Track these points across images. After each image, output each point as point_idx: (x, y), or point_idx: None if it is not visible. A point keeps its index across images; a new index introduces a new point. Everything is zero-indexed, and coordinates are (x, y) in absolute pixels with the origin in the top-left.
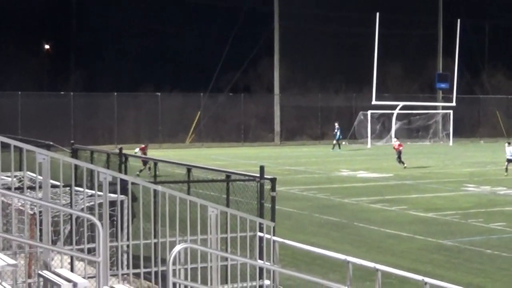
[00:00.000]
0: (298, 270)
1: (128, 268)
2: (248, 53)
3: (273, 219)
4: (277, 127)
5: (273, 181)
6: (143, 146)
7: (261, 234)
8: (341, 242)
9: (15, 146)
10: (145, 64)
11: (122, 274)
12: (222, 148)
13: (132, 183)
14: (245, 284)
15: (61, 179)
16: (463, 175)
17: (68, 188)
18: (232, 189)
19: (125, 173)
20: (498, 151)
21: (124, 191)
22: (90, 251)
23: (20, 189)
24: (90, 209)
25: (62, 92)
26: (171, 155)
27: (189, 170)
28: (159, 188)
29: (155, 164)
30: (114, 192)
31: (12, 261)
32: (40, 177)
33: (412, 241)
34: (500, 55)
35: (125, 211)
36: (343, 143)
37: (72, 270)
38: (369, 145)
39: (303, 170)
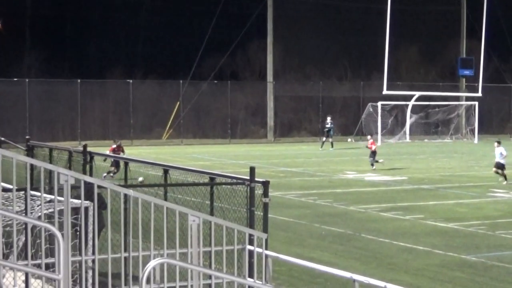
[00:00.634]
0: None
1: (93, 287)
2: (236, 33)
3: (265, 229)
4: (270, 121)
5: (265, 184)
6: (114, 146)
7: (251, 248)
8: (346, 257)
9: None
10: (114, 45)
11: None
12: (205, 146)
13: (99, 187)
14: None
15: (14, 181)
16: (490, 179)
17: (22, 192)
18: (217, 194)
19: (90, 174)
20: None
21: (89, 196)
22: (49, 266)
23: None
24: (49, 217)
25: (15, 79)
26: (145, 153)
27: (166, 172)
28: (131, 192)
29: (126, 164)
30: (78, 197)
31: None
32: None
33: (429, 256)
34: None
35: (90, 220)
36: (349, 140)
37: None
38: (379, 143)
39: (301, 172)
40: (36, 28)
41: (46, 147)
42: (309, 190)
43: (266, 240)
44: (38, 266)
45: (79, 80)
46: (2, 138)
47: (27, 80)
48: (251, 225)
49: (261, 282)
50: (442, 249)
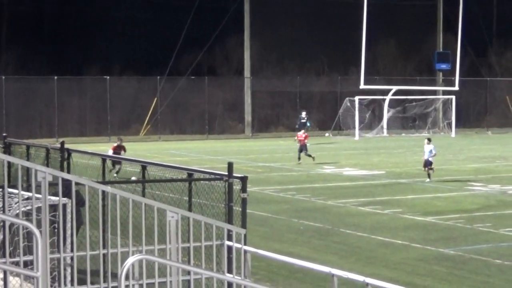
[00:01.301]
0: (274, 285)
1: (72, 284)
2: (213, 28)
3: (244, 225)
4: (248, 116)
5: (243, 180)
6: (115, 145)
7: (230, 243)
8: (325, 251)
9: None
10: (91, 41)
11: None
12: (183, 142)
13: (76, 183)
14: None
15: None
16: (468, 172)
17: (0, 190)
18: (196, 190)
19: (68, 171)
20: (509, 143)
21: (67, 193)
22: (27, 264)
23: None
24: (27, 215)
25: None
26: None
27: (143, 168)
28: (108, 189)
29: (104, 161)
30: (56, 194)
31: None
32: None
33: (408, 249)
34: (511, 30)
35: (69, 217)
36: (326, 134)
37: (5, 287)
38: (356, 137)
39: (279, 167)
40: (13, 25)
41: (23, 144)
42: (287, 185)
43: (245, 235)
44: (17, 263)
45: (56, 77)
46: None
47: (3, 77)
48: (229, 220)
49: (239, 278)
50: (420, 243)
